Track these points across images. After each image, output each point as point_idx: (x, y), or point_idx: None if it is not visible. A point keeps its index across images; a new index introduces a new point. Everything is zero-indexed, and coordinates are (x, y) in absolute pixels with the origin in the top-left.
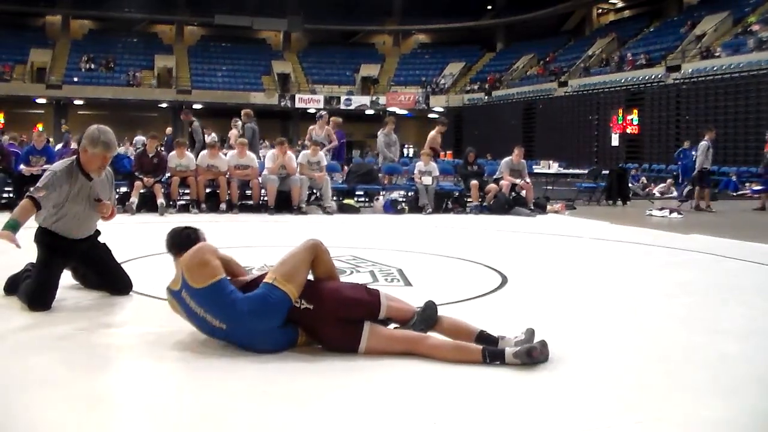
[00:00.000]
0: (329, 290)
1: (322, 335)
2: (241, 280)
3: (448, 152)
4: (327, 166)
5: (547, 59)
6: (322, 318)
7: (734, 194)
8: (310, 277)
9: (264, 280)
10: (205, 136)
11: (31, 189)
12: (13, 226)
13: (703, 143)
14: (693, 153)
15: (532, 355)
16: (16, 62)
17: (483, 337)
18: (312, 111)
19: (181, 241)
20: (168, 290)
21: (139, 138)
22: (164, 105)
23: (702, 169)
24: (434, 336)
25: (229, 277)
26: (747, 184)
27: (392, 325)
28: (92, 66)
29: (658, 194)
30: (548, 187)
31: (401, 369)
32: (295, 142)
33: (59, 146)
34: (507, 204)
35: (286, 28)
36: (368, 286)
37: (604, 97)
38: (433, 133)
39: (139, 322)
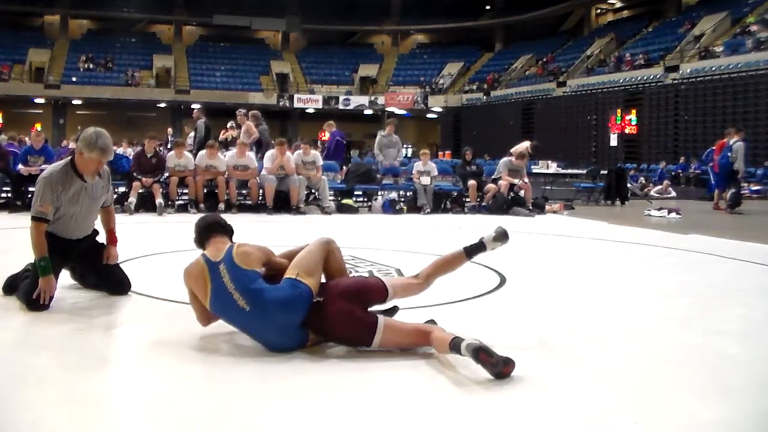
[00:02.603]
0: (334, 282)
1: (336, 328)
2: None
3: (446, 152)
4: (324, 165)
5: (546, 59)
6: (336, 308)
7: None
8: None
9: (285, 276)
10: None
11: (36, 210)
12: (46, 268)
13: (740, 143)
14: (729, 154)
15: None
16: (14, 62)
17: (468, 250)
18: (311, 111)
19: (222, 226)
20: (203, 257)
21: None
22: (163, 105)
23: (735, 170)
24: (439, 328)
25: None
26: (745, 185)
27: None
28: (91, 66)
29: (656, 194)
30: (547, 187)
31: (404, 369)
32: (295, 139)
33: None
34: (505, 204)
35: (285, 28)
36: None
37: (602, 98)
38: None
39: (137, 322)
